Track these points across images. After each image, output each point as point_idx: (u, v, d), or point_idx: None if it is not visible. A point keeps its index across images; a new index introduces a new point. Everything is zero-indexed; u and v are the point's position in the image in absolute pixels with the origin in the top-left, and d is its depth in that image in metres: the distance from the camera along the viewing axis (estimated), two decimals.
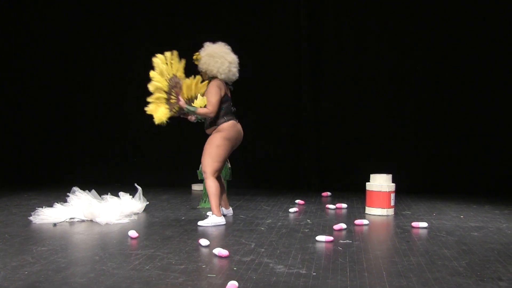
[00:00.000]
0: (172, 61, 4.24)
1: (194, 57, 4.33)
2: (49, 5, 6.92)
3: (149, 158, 6.88)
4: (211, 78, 4.36)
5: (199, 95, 4.29)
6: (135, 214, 4.63)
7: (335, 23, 6.45)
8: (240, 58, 4.45)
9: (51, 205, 4.53)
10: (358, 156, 6.37)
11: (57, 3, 6.90)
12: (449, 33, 6.15)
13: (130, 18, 6.83)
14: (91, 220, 4.35)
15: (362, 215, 4.72)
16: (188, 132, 6.16)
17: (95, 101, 7.01)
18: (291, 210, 4.89)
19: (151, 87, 4.22)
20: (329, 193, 5.97)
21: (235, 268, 3.01)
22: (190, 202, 5.47)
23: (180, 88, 4.29)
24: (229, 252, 3.28)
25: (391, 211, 4.76)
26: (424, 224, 4.22)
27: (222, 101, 4.28)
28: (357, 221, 4.33)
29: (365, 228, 4.23)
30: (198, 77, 4.40)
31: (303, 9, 6.43)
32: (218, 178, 4.38)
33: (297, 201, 5.40)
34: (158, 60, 4.21)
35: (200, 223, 4.22)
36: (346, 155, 6.45)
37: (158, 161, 6.82)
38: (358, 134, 6.43)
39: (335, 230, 4.04)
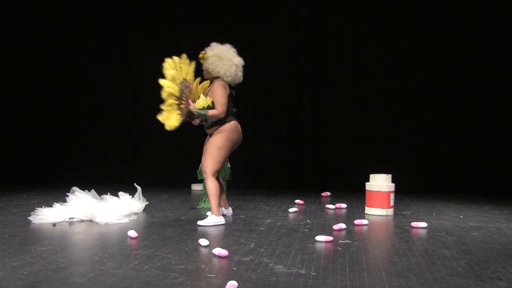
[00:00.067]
0: (181, 65, 4.20)
1: (200, 55, 4.30)
2: (49, 5, 6.92)
3: (148, 158, 6.88)
4: (213, 78, 4.36)
5: (201, 95, 4.29)
6: (134, 214, 4.63)
7: (335, 23, 6.45)
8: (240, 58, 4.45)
9: (50, 205, 4.53)
10: (358, 156, 6.38)
11: (57, 3, 6.90)
12: (449, 33, 6.15)
13: (130, 18, 6.83)
14: (91, 220, 4.35)
15: (362, 215, 4.72)
16: (187, 132, 6.14)
17: (95, 101, 7.01)
18: (291, 210, 4.89)
19: (163, 94, 4.14)
20: (328, 193, 5.97)
21: (234, 268, 3.01)
22: (190, 202, 5.47)
23: (190, 91, 4.28)
24: (228, 252, 3.28)
25: (390, 211, 4.76)
26: (424, 224, 4.22)
27: None
28: (357, 221, 4.33)
29: (365, 228, 4.23)
30: (198, 79, 4.39)
31: (303, 9, 6.43)
32: (216, 178, 4.38)
33: (296, 201, 5.40)
34: (167, 65, 4.15)
35: (199, 222, 4.22)
36: (346, 155, 6.45)
37: (158, 161, 6.82)
38: (358, 134, 6.43)
39: (334, 230, 4.04)
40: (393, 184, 4.82)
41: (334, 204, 5.16)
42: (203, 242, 3.54)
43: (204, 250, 3.43)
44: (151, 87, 6.76)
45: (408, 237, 3.87)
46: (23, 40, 7.00)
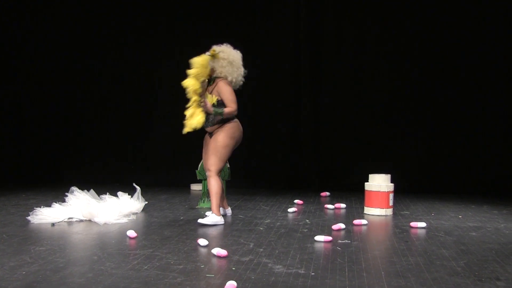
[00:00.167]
0: (206, 63, 4.21)
1: (212, 52, 4.27)
2: (49, 5, 6.91)
3: (148, 158, 6.88)
4: (216, 77, 4.36)
5: (207, 93, 4.29)
6: (133, 214, 4.63)
7: (334, 23, 6.46)
8: None
9: (49, 205, 4.53)
10: (357, 156, 6.38)
11: (57, 3, 6.90)
12: (449, 33, 6.15)
13: (130, 18, 6.83)
14: (90, 220, 4.34)
15: (361, 215, 4.72)
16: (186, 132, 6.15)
17: (95, 101, 7.00)
18: (290, 210, 4.89)
19: (190, 92, 4.15)
20: (328, 193, 5.97)
21: (233, 268, 3.01)
22: (189, 202, 5.46)
23: (204, 91, 4.30)
24: (227, 252, 3.28)
25: (389, 211, 4.77)
26: (423, 224, 4.22)
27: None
28: (356, 221, 4.33)
29: (364, 228, 4.23)
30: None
31: (303, 9, 6.43)
32: None
33: (296, 201, 5.40)
34: (200, 61, 4.16)
35: (200, 220, 4.22)
36: (345, 155, 6.46)
37: (158, 161, 6.82)
38: (357, 134, 6.44)
39: (333, 230, 4.05)
40: (392, 184, 4.82)
41: (333, 204, 5.16)
42: (202, 242, 3.54)
43: (203, 250, 3.43)
44: (151, 87, 6.86)
45: (407, 237, 3.87)
46: (23, 40, 7.00)
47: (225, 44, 4.37)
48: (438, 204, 5.37)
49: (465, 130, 6.17)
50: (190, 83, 4.15)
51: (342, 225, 4.11)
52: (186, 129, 4.22)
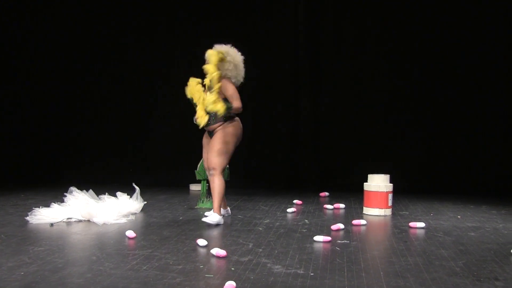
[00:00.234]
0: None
1: (221, 55, 4.27)
2: (49, 5, 6.91)
3: (147, 158, 6.87)
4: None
5: (209, 92, 4.30)
6: (132, 214, 4.62)
7: (334, 24, 6.46)
8: None
9: (48, 205, 4.52)
10: (356, 156, 6.38)
11: (57, 3, 6.89)
12: (449, 33, 6.16)
13: (130, 18, 6.82)
14: (89, 220, 4.34)
15: (360, 215, 4.72)
16: (186, 132, 6.16)
17: (94, 101, 7.00)
18: (289, 210, 4.89)
19: (210, 77, 4.17)
20: (327, 193, 5.97)
21: (232, 269, 3.01)
22: (188, 202, 5.46)
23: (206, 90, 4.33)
24: (227, 252, 3.28)
25: (388, 211, 4.77)
26: (422, 224, 4.22)
27: (227, 100, 4.29)
28: (355, 221, 4.34)
29: (363, 228, 4.23)
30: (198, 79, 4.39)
31: (302, 9, 6.43)
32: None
33: (295, 201, 5.39)
34: (212, 54, 4.19)
35: (204, 219, 4.20)
36: (344, 155, 6.46)
37: (157, 161, 6.82)
38: (356, 135, 6.44)
39: (333, 230, 4.05)
40: (391, 184, 4.83)
41: (332, 204, 5.16)
42: (201, 242, 3.53)
43: (202, 250, 3.43)
44: (151, 87, 6.85)
45: (406, 237, 3.87)
46: (23, 40, 6.99)
47: (229, 45, 4.37)
48: (437, 204, 5.38)
49: (464, 130, 6.18)
50: (214, 70, 4.16)
51: (341, 225, 4.11)
52: (205, 119, 4.20)
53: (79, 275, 2.87)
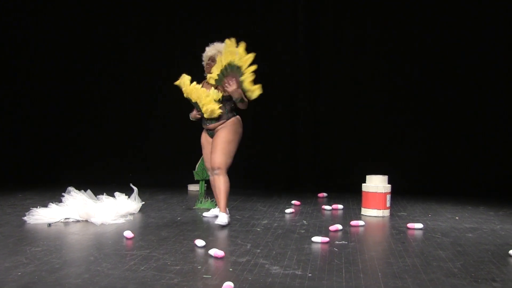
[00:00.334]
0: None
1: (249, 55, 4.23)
2: (49, 5, 6.90)
3: (147, 159, 6.87)
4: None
5: (212, 88, 4.27)
6: (130, 214, 4.62)
7: (334, 24, 6.46)
8: None
9: (45, 205, 4.51)
10: (355, 157, 6.38)
11: (57, 3, 6.89)
12: (449, 33, 6.16)
13: (130, 18, 6.82)
14: (86, 221, 4.33)
15: (358, 216, 4.72)
16: (185, 132, 6.16)
17: (94, 101, 7.00)
18: (287, 211, 4.89)
19: (244, 61, 4.14)
20: (325, 194, 5.97)
21: (230, 269, 3.01)
22: (186, 203, 5.46)
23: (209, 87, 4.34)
24: (225, 253, 3.28)
25: (386, 212, 4.77)
26: (420, 225, 4.23)
27: (230, 98, 4.28)
28: (353, 222, 4.34)
29: (361, 229, 4.23)
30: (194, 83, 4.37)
31: (302, 10, 6.43)
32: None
33: (293, 202, 5.39)
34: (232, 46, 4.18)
35: (217, 222, 4.15)
36: (343, 156, 6.46)
37: (156, 162, 6.81)
38: (356, 135, 6.44)
39: (331, 231, 4.05)
40: (389, 185, 4.83)
41: (330, 205, 5.16)
42: (199, 243, 3.53)
43: (200, 251, 3.43)
44: (151, 87, 6.85)
45: (404, 238, 3.87)
46: (23, 40, 6.98)
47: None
48: (435, 205, 5.38)
49: (464, 131, 6.18)
50: (243, 53, 4.12)
51: (339, 226, 4.11)
52: (218, 111, 4.17)
53: (77, 276, 2.87)
